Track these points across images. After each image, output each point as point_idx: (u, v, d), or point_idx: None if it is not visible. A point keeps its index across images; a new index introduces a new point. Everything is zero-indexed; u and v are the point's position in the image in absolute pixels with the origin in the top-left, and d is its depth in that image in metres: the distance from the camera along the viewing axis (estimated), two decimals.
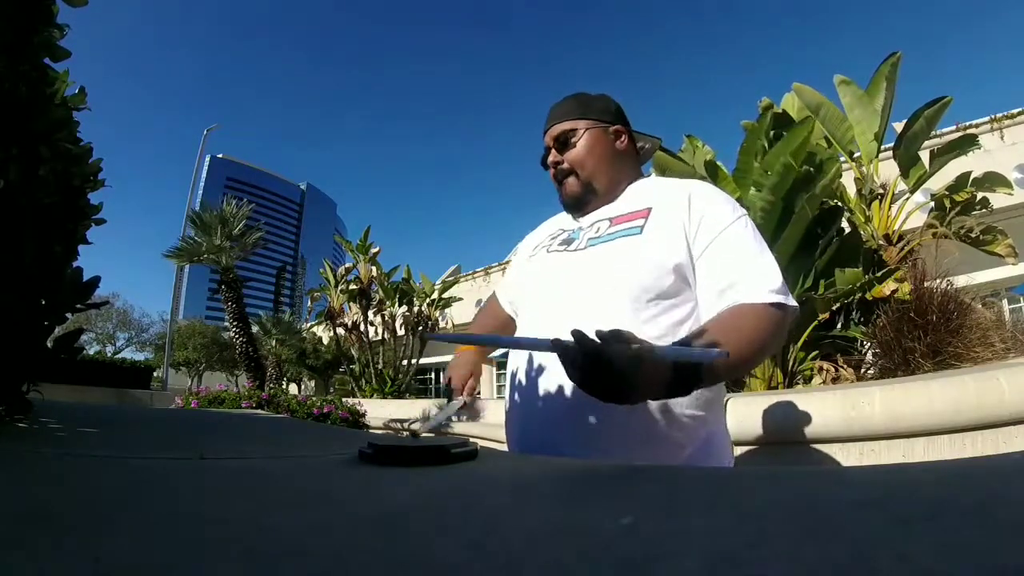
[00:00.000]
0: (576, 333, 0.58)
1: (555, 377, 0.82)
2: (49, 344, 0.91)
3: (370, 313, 10.36)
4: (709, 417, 0.84)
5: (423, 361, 11.83)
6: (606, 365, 0.57)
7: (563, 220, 1.04)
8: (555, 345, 0.60)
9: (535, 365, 0.87)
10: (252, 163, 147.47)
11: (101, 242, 1.20)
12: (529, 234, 1.13)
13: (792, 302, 0.78)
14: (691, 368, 0.65)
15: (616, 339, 0.58)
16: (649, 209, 0.87)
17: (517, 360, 0.93)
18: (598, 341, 0.58)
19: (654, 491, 0.42)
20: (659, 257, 0.81)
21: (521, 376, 0.90)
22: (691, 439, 0.82)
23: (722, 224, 0.82)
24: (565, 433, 0.80)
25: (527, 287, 0.98)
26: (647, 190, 0.94)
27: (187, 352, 22.60)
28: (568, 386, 0.81)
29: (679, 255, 0.82)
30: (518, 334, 0.97)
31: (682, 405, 0.80)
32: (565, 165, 0.95)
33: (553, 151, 0.97)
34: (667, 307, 0.82)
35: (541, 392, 0.84)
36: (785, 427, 1.87)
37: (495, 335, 0.84)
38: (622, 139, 0.98)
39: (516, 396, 0.91)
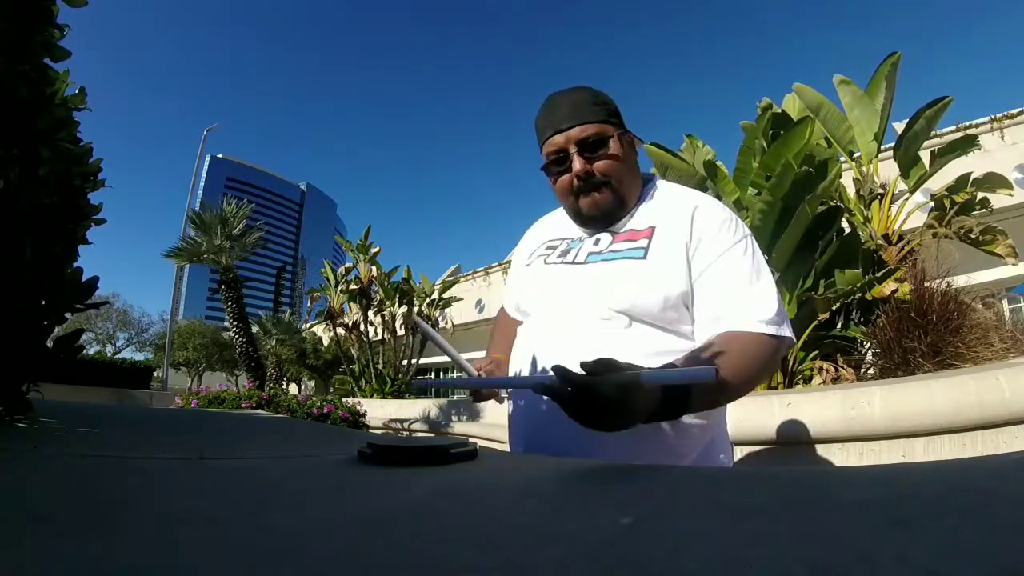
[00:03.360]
0: (559, 369, 0.57)
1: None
2: (49, 344, 0.91)
3: (370, 313, 10.37)
4: (711, 423, 0.84)
5: (423, 361, 11.83)
6: (595, 399, 0.57)
7: (557, 225, 1.00)
8: (542, 388, 0.59)
9: (538, 368, 0.86)
10: (252, 163, 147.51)
11: (101, 242, 1.20)
12: (522, 240, 1.08)
13: (786, 332, 0.77)
14: (679, 394, 0.65)
15: (604, 369, 0.57)
16: (652, 228, 0.85)
17: (519, 362, 0.92)
18: (584, 375, 0.57)
19: (654, 491, 0.42)
20: (662, 285, 0.79)
21: (522, 369, 0.89)
22: (695, 446, 0.82)
23: (720, 249, 0.81)
24: (569, 438, 0.78)
25: (526, 300, 0.95)
26: (652, 203, 0.90)
27: (187, 352, 22.59)
28: None
29: (682, 283, 0.80)
30: (517, 347, 0.95)
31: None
32: (598, 177, 0.85)
33: (579, 159, 0.85)
34: (668, 333, 0.81)
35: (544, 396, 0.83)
36: (785, 427, 1.87)
37: (490, 378, 0.83)
38: (636, 146, 0.92)
39: (519, 399, 0.91)
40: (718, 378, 0.54)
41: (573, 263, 0.88)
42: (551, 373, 0.58)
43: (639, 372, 0.57)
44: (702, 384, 0.64)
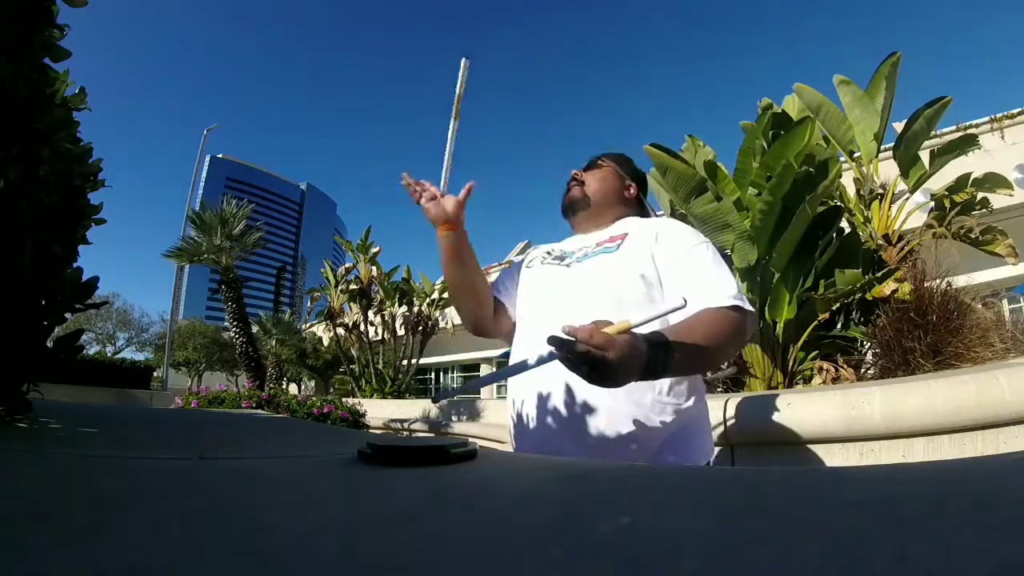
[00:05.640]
0: (561, 337, 0.69)
1: (549, 384, 0.95)
2: (49, 344, 0.91)
3: (370, 313, 10.37)
4: (684, 408, 0.94)
5: (423, 361, 11.82)
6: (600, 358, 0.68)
7: (561, 243, 1.21)
8: (554, 356, 0.70)
9: (528, 343, 0.99)
10: (252, 163, 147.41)
11: (101, 242, 1.20)
12: (530, 251, 1.28)
13: (749, 306, 0.90)
14: (661, 350, 0.75)
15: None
16: (625, 234, 1.05)
17: (521, 354, 1.02)
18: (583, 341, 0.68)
19: (654, 491, 0.42)
20: (627, 267, 0.97)
21: (523, 383, 1.01)
22: (667, 427, 0.92)
23: (685, 247, 0.98)
24: (560, 426, 0.92)
25: (523, 294, 1.12)
26: (628, 224, 1.11)
27: (187, 352, 22.55)
28: (561, 391, 0.93)
29: (645, 268, 0.97)
30: (518, 338, 1.08)
31: (658, 392, 0.92)
32: (580, 178, 1.18)
33: (579, 171, 1.20)
34: (638, 310, 0.90)
35: (540, 393, 0.96)
36: (785, 427, 1.87)
37: (503, 370, 0.91)
38: (630, 190, 1.19)
39: (520, 401, 1.01)
40: (688, 351, 0.75)
41: (567, 266, 1.07)
42: (552, 351, 0.71)
43: (628, 320, 0.70)
44: (681, 346, 0.78)
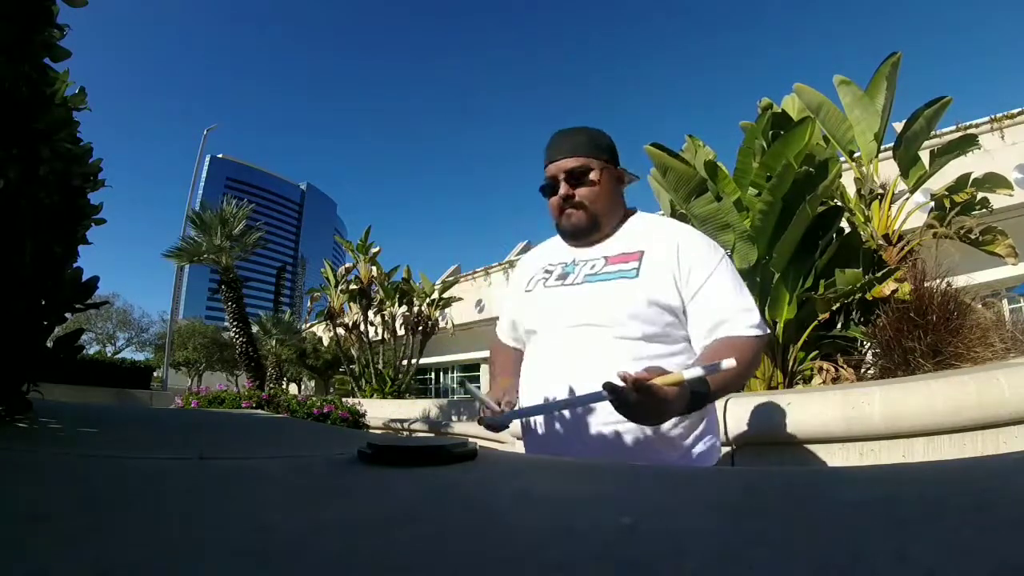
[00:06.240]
0: (623, 376, 0.69)
1: (560, 387, 0.92)
2: (49, 344, 0.91)
3: (370, 313, 10.37)
4: (701, 419, 0.95)
5: (423, 361, 11.83)
6: (654, 399, 0.70)
7: (554, 251, 1.09)
8: (609, 395, 0.71)
9: (553, 382, 0.94)
10: (252, 163, 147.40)
11: (101, 242, 1.20)
12: (518, 267, 1.17)
13: (766, 330, 0.94)
14: (704, 390, 0.80)
15: (657, 374, 0.71)
16: (641, 252, 0.97)
17: (531, 378, 0.99)
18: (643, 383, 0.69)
19: (654, 491, 0.42)
20: (654, 298, 0.92)
21: (533, 384, 0.98)
22: (678, 431, 0.93)
23: (707, 270, 0.94)
24: (570, 429, 0.91)
25: (530, 322, 1.04)
26: (638, 231, 1.02)
27: (187, 352, 22.54)
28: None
29: (671, 298, 0.93)
30: (525, 371, 1.03)
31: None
32: (577, 199, 0.99)
33: (564, 184, 1.00)
34: (661, 342, 0.93)
35: (550, 397, 0.93)
36: (785, 427, 1.87)
37: (550, 403, 0.92)
38: (623, 180, 1.06)
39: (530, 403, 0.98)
40: (719, 381, 0.79)
41: (572, 284, 0.98)
42: (601, 387, 0.71)
43: (682, 373, 0.71)
44: (717, 387, 0.83)
